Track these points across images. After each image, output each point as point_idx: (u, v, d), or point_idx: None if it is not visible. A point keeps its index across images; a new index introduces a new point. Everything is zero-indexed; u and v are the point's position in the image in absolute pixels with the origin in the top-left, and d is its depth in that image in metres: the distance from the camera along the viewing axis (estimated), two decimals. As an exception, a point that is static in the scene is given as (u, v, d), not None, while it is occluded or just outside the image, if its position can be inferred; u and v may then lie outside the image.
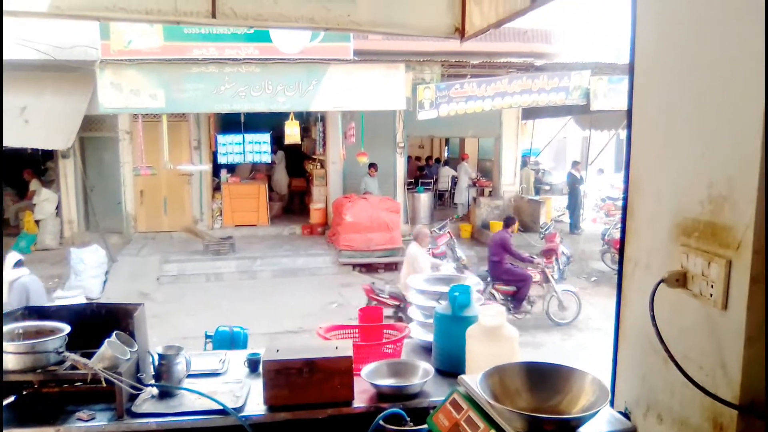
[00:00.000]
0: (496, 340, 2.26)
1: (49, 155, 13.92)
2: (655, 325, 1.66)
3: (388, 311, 7.97)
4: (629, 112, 1.95)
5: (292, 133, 12.02)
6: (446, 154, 23.90)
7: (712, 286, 1.59)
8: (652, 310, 1.68)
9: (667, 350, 1.64)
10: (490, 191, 16.28)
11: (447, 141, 23.90)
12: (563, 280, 11.07)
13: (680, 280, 1.69)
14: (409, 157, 18.24)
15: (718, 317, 1.59)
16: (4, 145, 9.68)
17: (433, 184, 18.38)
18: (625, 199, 1.97)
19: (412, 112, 11.83)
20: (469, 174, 16.80)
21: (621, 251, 1.98)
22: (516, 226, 10.75)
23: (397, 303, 8.08)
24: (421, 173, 19.75)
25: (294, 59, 11.10)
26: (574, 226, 15.44)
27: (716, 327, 1.59)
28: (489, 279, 9.36)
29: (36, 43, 10.61)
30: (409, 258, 8.24)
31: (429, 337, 2.93)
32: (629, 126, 1.96)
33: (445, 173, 18.76)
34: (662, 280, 1.70)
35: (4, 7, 2.59)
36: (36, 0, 2.66)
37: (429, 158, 22.08)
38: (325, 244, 13.32)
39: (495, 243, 9.54)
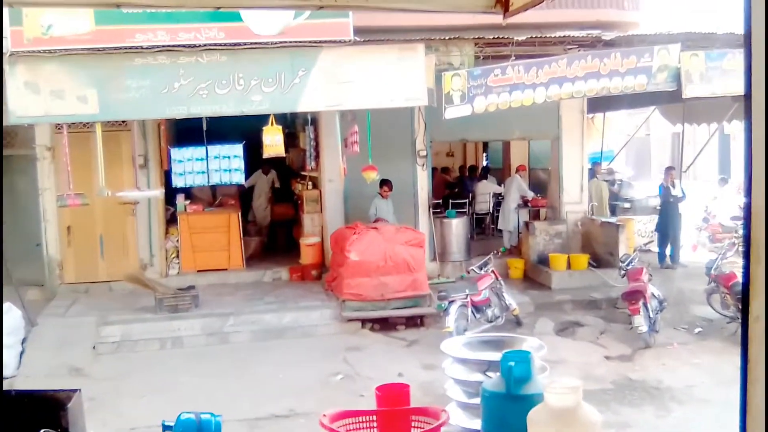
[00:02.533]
0: (569, 427, 2.25)
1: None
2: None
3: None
4: (747, 98, 1.91)
5: (273, 142, 12.08)
6: (484, 164, 23.96)
7: None
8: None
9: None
10: (547, 213, 16.30)
11: (485, 146, 23.99)
12: (655, 332, 11.02)
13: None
14: (435, 170, 18.30)
15: None
16: None
17: (469, 205, 18.41)
18: (747, 223, 1.91)
19: (437, 108, 11.87)
20: (524, 191, 16.84)
21: (744, 301, 1.95)
22: None
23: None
24: (451, 191, 19.79)
25: (273, 43, 11.19)
26: (669, 258, 15.37)
27: None
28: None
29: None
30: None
31: (475, 423, 2.92)
32: (748, 117, 1.90)
33: (485, 189, 18.81)
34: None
35: None
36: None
37: (462, 170, 22.14)
38: (322, 293, 13.29)
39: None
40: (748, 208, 1.89)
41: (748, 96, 1.90)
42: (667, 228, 15.48)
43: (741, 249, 11.56)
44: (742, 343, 1.96)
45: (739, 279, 9.56)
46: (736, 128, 18.46)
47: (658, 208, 16.14)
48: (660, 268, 14.89)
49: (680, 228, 15.72)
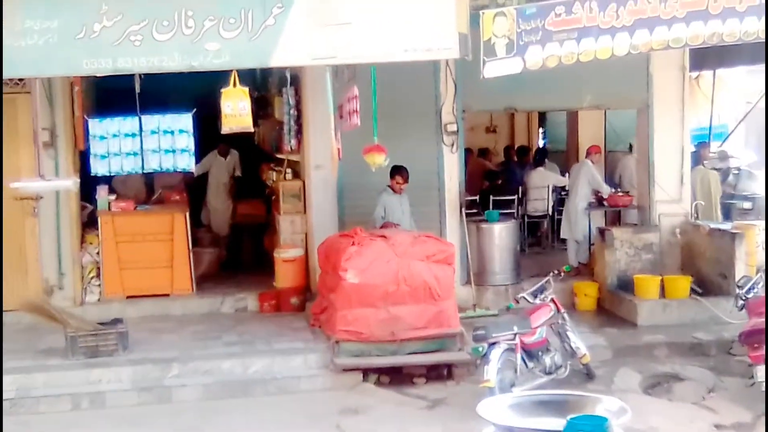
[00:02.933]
0: None
1: None
2: None
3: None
4: None
5: (235, 111, 11.99)
6: (542, 144, 23.88)
7: None
8: None
9: None
10: (631, 216, 16.23)
11: (542, 119, 23.92)
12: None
13: None
14: (469, 153, 18.24)
15: None
16: None
17: (518, 204, 18.34)
18: None
19: (473, 64, 11.79)
20: (598, 184, 16.76)
21: None
22: None
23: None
24: (492, 183, 19.73)
25: (237, -33, 11.17)
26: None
27: None
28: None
29: None
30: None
31: None
32: None
33: (541, 181, 18.77)
34: None
35: None
36: None
37: (509, 153, 22.07)
38: (306, 331, 13.30)
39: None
40: None
41: None
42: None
43: None
44: None
45: None
46: None
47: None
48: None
49: None
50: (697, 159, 16.90)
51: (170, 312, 14.50)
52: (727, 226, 15.30)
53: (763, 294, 11.67)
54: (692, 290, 14.07)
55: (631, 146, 18.68)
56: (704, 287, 14.22)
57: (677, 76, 15.44)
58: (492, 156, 22.20)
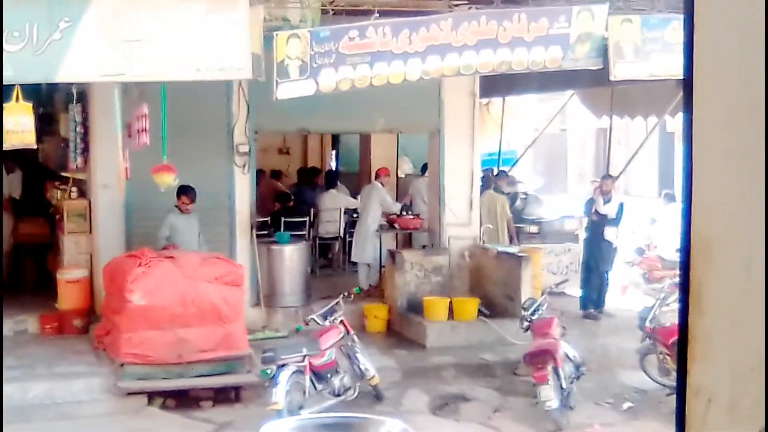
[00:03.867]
0: None
1: None
2: None
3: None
4: (687, 84, 1.94)
5: (17, 127, 11.74)
6: (333, 166, 24.00)
7: None
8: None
9: None
10: (421, 239, 16.42)
11: (336, 141, 24.05)
12: (569, 408, 11.22)
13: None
14: (261, 174, 18.13)
15: None
16: None
17: (310, 225, 18.35)
18: (685, 261, 1.97)
19: (266, 84, 11.82)
20: (387, 206, 16.89)
21: (680, 367, 1.94)
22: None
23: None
24: (284, 204, 19.69)
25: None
26: (593, 303, 15.72)
27: None
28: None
29: None
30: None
31: None
32: (688, 112, 1.95)
33: (333, 203, 18.84)
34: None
35: None
36: None
37: (303, 173, 22.08)
38: (89, 354, 13.06)
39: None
40: (686, 236, 1.90)
41: (687, 81, 1.94)
42: (596, 262, 15.80)
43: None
44: (677, 426, 1.97)
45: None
46: (681, 124, 19.25)
47: (585, 233, 16.55)
48: (581, 318, 15.25)
49: (611, 262, 16.12)
50: (486, 182, 17.26)
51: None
52: (514, 249, 15.67)
53: (547, 316, 12.01)
54: (480, 312, 14.33)
55: (423, 168, 18.91)
56: (492, 309, 14.51)
57: (468, 102, 15.77)
58: (284, 178, 22.16)
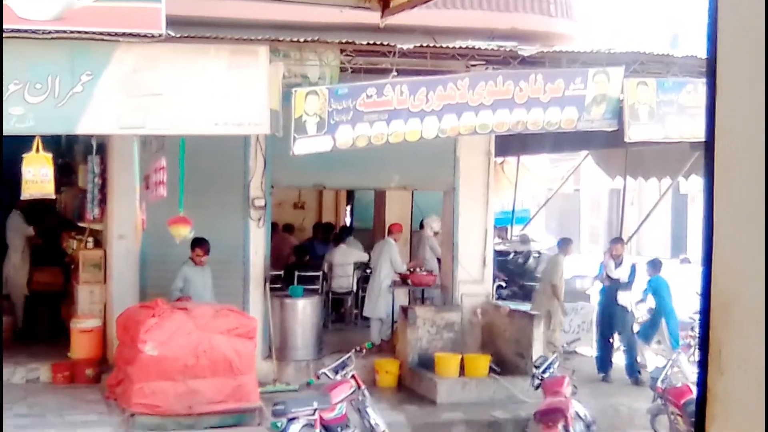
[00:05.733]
0: None
1: None
2: None
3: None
4: (708, 147, 1.96)
5: (36, 177, 11.78)
6: (349, 221, 24.01)
7: None
8: None
9: None
10: (433, 298, 16.39)
11: (351, 196, 24.08)
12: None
13: None
14: (276, 228, 18.16)
15: None
16: None
17: (323, 280, 18.35)
18: (704, 321, 1.98)
19: (283, 140, 11.86)
20: (397, 264, 16.88)
21: (698, 429, 1.95)
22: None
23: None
24: (299, 259, 19.71)
25: (47, 32, 10.98)
26: (604, 364, 15.66)
27: None
28: None
29: None
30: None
31: None
32: (708, 174, 1.96)
33: (345, 258, 18.80)
34: None
35: None
36: None
37: (318, 228, 22.11)
38: (101, 403, 13.02)
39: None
40: (706, 297, 1.90)
41: (710, 144, 1.93)
42: (608, 323, 15.78)
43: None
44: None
45: (694, 396, 9.79)
46: (695, 186, 19.27)
47: (599, 296, 16.53)
48: (596, 378, 15.17)
49: (630, 325, 16.05)
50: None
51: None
52: (526, 308, 15.63)
53: (559, 374, 11.97)
54: (491, 369, 14.30)
55: (421, 224, 18.80)
56: (503, 366, 14.48)
57: (483, 160, 15.82)
58: (297, 231, 22.18)
